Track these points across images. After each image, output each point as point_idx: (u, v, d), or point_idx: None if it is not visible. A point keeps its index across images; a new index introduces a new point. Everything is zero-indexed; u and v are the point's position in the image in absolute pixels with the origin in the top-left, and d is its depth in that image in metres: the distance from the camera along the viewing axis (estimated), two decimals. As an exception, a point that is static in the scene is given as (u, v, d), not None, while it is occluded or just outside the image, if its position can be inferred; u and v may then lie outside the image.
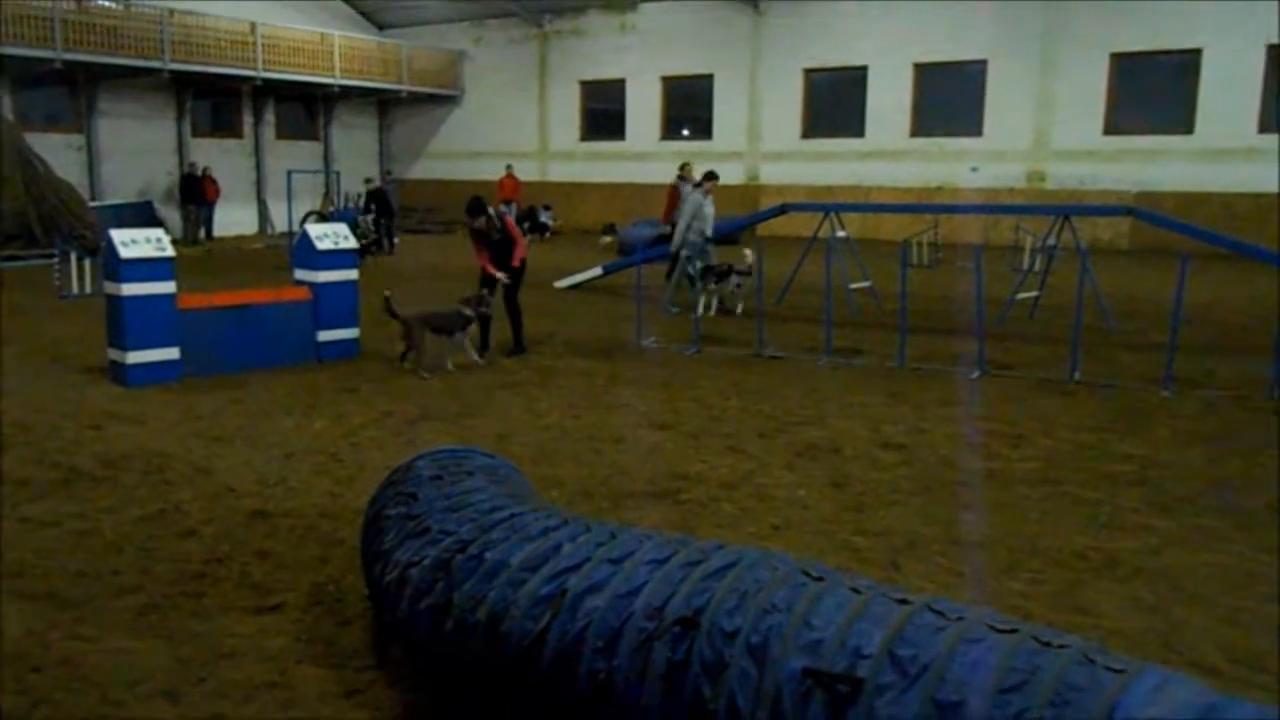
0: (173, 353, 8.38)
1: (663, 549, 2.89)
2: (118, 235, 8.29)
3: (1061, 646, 2.28)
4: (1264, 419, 7.34)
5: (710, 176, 12.73)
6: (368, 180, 23.59)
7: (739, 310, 12.25)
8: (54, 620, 3.86)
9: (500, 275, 9.43)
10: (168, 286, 8.36)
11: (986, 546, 4.80)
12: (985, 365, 8.95)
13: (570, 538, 3.04)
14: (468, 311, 9.02)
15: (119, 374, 8.29)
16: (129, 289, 8.18)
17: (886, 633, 2.38)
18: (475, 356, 9.23)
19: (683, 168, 14.90)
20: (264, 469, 5.90)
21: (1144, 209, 14.06)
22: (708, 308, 11.97)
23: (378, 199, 21.42)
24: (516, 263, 9.50)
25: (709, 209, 12.39)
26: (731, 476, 5.85)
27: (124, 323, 8.19)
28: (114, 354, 8.40)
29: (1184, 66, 20.59)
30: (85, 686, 3.39)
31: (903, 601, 2.51)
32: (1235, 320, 11.83)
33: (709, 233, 12.34)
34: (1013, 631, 2.35)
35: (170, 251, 8.39)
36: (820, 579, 2.65)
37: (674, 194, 14.51)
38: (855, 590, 2.59)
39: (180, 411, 7.34)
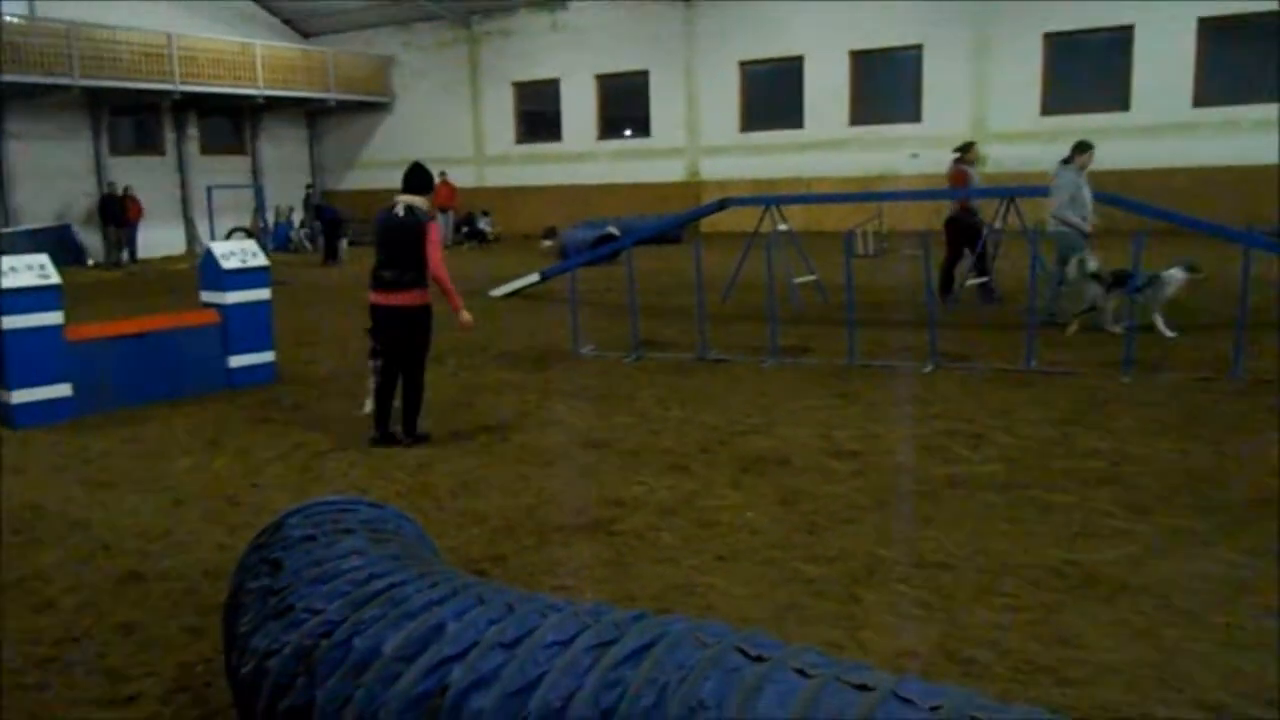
0: (63, 389, 7.66)
1: (567, 625, 2.35)
2: (-7, 264, 7.57)
3: (1066, 746, 1.78)
4: (1228, 401, 6.99)
5: (1082, 148, 10.06)
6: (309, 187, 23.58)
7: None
8: None
9: (464, 316, 6.65)
10: (54, 317, 7.64)
11: (952, 567, 4.32)
12: (938, 357, 8.53)
13: (457, 614, 2.48)
14: None
15: (4, 415, 7.56)
16: (10, 322, 7.45)
17: (844, 737, 1.86)
18: None
19: (968, 149, 12.32)
20: (149, 520, 5.25)
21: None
22: (1118, 319, 9.29)
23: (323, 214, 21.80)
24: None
25: (1088, 191, 10.00)
26: (672, 500, 5.32)
27: (6, 359, 7.48)
28: (-2, 394, 7.68)
29: (1117, 44, 20.47)
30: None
31: (863, 688, 1.99)
32: (1185, 299, 11.54)
33: (1089, 220, 9.98)
34: (1003, 726, 1.85)
35: (55, 279, 7.67)
36: (759, 658, 2.13)
37: (961, 180, 11.98)
38: (803, 673, 2.07)
39: (66, 455, 6.64)
